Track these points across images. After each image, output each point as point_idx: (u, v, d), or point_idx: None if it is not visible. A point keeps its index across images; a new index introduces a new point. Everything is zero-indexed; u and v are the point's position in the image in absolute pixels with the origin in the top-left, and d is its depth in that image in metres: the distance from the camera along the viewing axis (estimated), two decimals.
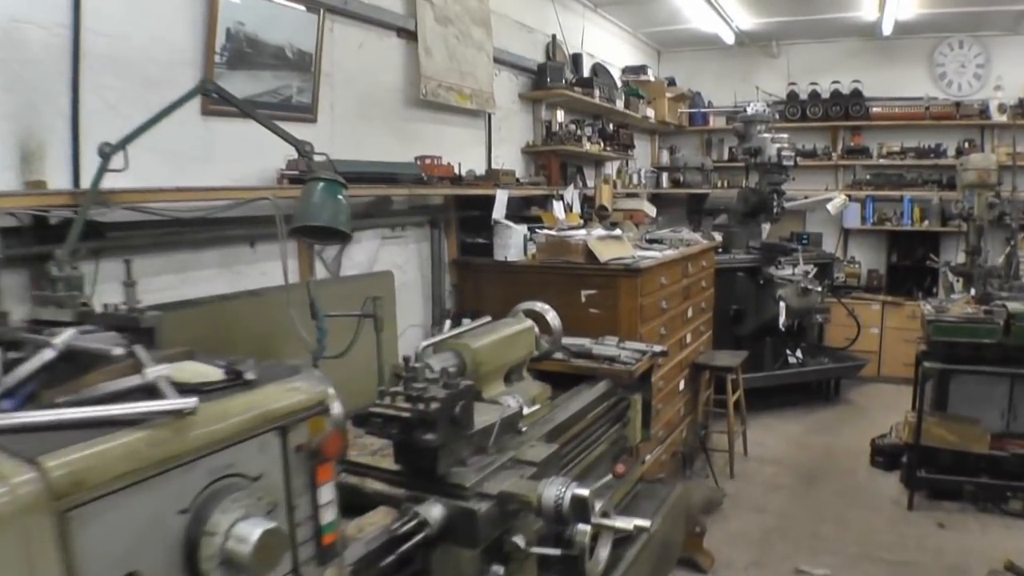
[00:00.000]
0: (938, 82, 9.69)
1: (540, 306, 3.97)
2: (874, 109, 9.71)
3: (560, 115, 7.30)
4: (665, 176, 10.27)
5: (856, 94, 9.77)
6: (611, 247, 5.37)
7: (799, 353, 8.69)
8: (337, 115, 4.83)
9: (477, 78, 6.14)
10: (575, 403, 3.84)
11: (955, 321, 5.74)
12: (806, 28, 9.70)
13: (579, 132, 7.46)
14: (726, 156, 10.51)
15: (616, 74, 9.29)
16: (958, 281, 7.77)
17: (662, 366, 5.53)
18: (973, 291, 6.54)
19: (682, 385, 6.42)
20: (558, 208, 6.24)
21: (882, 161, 9.81)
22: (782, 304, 7.68)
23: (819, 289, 7.81)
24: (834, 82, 9.86)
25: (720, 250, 8.07)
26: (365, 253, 5.16)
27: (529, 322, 3.71)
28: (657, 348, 4.71)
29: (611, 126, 8.43)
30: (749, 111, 8.53)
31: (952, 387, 6.25)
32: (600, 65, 8.77)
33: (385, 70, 5.32)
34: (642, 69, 9.58)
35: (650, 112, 9.24)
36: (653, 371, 4.89)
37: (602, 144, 8.01)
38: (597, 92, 7.67)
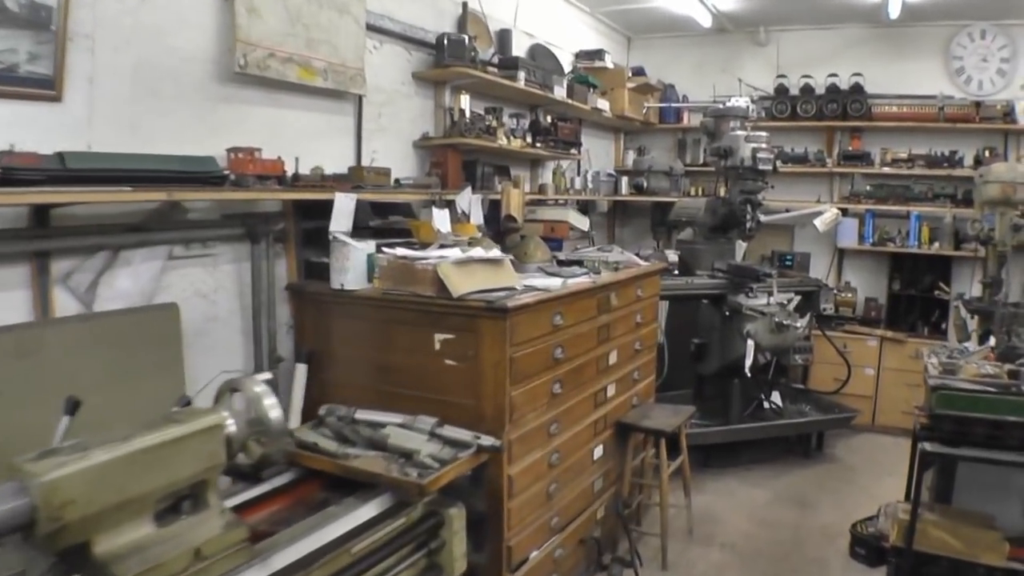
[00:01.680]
0: (955, 78, 8.25)
1: (254, 382, 2.38)
2: (878, 108, 8.27)
3: (465, 101, 5.80)
4: (624, 181, 8.71)
5: (856, 90, 8.29)
6: (475, 276, 3.86)
7: (776, 397, 7.25)
8: (100, 92, 3.52)
9: (337, 49, 4.74)
10: (310, 540, 2.26)
11: (970, 391, 4.15)
12: (799, 11, 8.31)
13: (493, 124, 5.94)
14: (702, 159, 8.96)
15: (567, 59, 7.90)
16: (972, 318, 6.43)
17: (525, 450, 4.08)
18: (992, 340, 5.06)
19: (600, 451, 4.89)
20: (440, 218, 4.69)
21: (886, 170, 8.32)
22: (750, 343, 6.17)
23: (798, 325, 6.26)
24: (831, 75, 8.39)
25: (678, 271, 6.68)
26: (136, 279, 3.72)
27: (216, 416, 2.14)
28: (487, 441, 3.17)
29: (548, 119, 6.93)
30: (728, 105, 7.12)
31: (960, 471, 4.66)
32: (542, 47, 7.37)
33: (183, 32, 3.91)
34: (598, 54, 8.10)
35: (604, 104, 7.75)
36: (491, 468, 3.56)
37: (531, 140, 6.52)
38: (523, 76, 6.18)
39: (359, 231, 4.41)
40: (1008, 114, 7.83)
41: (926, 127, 8.12)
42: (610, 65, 8.14)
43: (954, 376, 4.34)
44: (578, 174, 8.09)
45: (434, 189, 5.40)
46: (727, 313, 6.44)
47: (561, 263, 5.10)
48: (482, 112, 6.09)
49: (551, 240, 5.82)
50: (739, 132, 6.78)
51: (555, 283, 4.29)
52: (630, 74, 8.55)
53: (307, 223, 4.56)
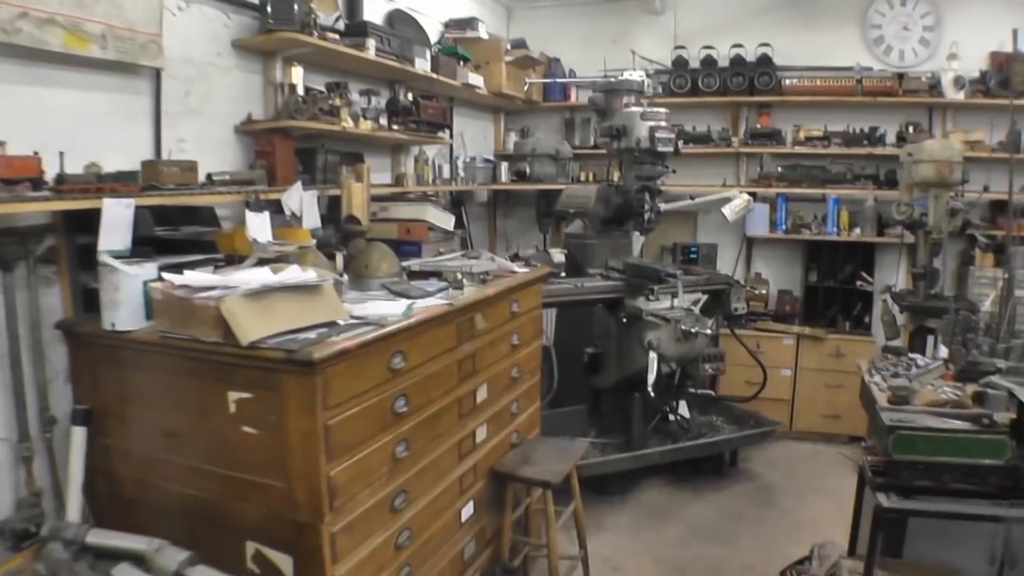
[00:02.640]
0: (873, 48, 7.58)
1: None
2: (788, 82, 7.50)
3: (297, 75, 4.73)
4: (504, 167, 7.73)
5: (764, 61, 7.53)
6: (275, 312, 2.81)
7: (683, 408, 6.37)
8: None
9: (122, 8, 3.67)
10: None
11: (938, 431, 3.24)
12: None
13: (336, 102, 4.91)
14: (593, 141, 8.04)
15: (435, 29, 6.90)
16: (900, 313, 6.04)
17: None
18: (943, 350, 4.40)
19: (470, 510, 3.90)
20: (257, 224, 3.62)
21: (799, 149, 7.58)
22: (652, 356, 5.24)
23: (707, 332, 5.39)
24: (735, 46, 7.61)
25: (565, 272, 5.80)
26: None
27: None
28: None
29: (409, 97, 5.94)
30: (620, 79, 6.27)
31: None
32: (402, 13, 6.35)
33: None
34: (470, 23, 7.09)
35: (477, 80, 6.77)
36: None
37: (387, 122, 5.49)
38: (373, 45, 5.15)
39: (145, 248, 3.31)
40: (934, 87, 7.17)
41: (843, 102, 7.41)
42: (484, 35, 7.15)
43: (909, 407, 3.42)
44: (450, 161, 7.10)
45: (258, 186, 4.33)
46: (624, 320, 5.53)
47: (414, 275, 4.12)
48: (323, 89, 5.01)
49: (408, 244, 4.83)
50: (634, 109, 5.88)
51: (396, 309, 3.28)
52: (508, 46, 7.59)
53: (84, 238, 3.41)
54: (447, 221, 5.10)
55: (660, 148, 5.68)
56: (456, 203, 7.30)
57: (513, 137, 8.19)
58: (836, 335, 7.32)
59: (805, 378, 7.36)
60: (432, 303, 3.50)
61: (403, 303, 3.40)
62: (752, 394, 6.70)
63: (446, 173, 6.96)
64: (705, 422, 6.50)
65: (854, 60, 7.46)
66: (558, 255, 5.70)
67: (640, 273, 5.50)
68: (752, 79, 7.51)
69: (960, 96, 7.08)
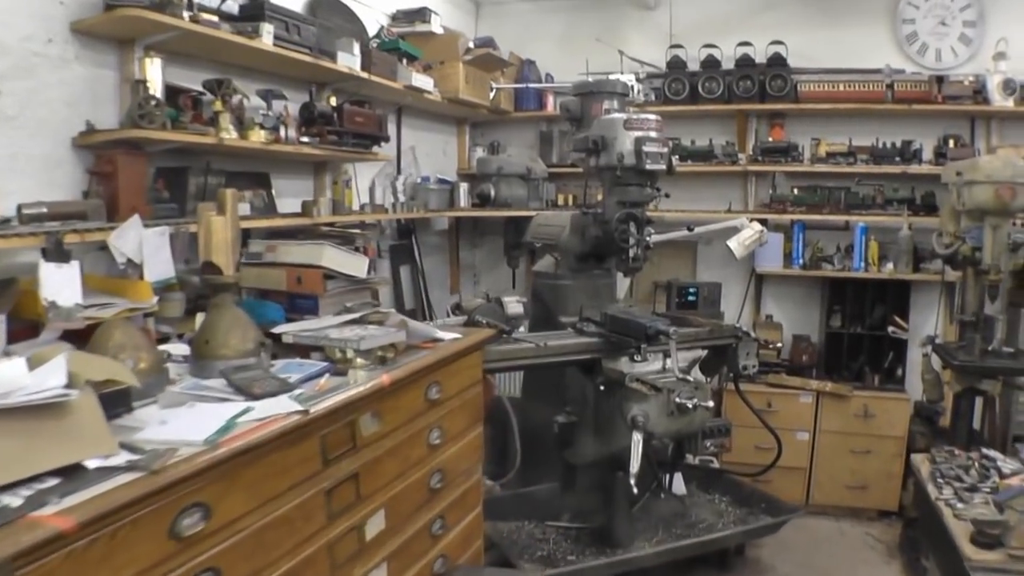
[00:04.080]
0: (905, 47, 6.64)
1: None
2: (805, 86, 6.54)
3: (153, 69, 3.61)
4: (463, 189, 6.61)
5: (777, 62, 6.52)
6: None
7: (679, 482, 5.32)
8: None
9: None
10: None
11: None
12: None
13: (217, 107, 3.83)
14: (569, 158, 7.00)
15: (379, 21, 5.78)
16: (942, 367, 5.36)
17: None
18: None
19: None
20: (59, 280, 2.52)
21: (818, 167, 6.56)
22: (636, 437, 4.03)
23: (708, 404, 4.16)
24: (742, 44, 6.60)
25: (529, 321, 4.81)
26: None
27: None
28: None
29: (330, 102, 4.85)
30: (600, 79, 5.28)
31: None
32: (336, 2, 5.22)
33: None
34: (420, 15, 5.95)
35: (425, 82, 5.64)
36: None
37: (294, 133, 4.37)
38: (269, 31, 4.03)
39: None
40: (979, 92, 6.20)
41: (870, 110, 6.47)
42: (438, 30, 6.00)
43: (1008, 551, 2.27)
44: (396, 182, 5.95)
45: (90, 221, 3.20)
46: (601, 385, 4.40)
47: (289, 351, 2.95)
48: (201, 90, 3.90)
49: (304, 298, 3.64)
50: (616, 115, 4.71)
51: (202, 431, 2.05)
52: (471, 44, 6.43)
53: None
54: (355, 266, 3.84)
55: (649, 165, 4.52)
56: (405, 233, 6.25)
57: (480, 154, 7.10)
58: (863, 391, 6.26)
59: (826, 442, 6.31)
60: (276, 411, 2.29)
61: (228, 412, 2.17)
62: (762, 468, 5.49)
63: (391, 197, 5.82)
64: (706, 502, 5.38)
65: (883, 61, 6.51)
66: (514, 305, 4.49)
67: (623, 328, 4.32)
68: (763, 83, 6.53)
69: (1009, 103, 6.08)
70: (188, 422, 2.15)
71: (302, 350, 3.00)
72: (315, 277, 3.58)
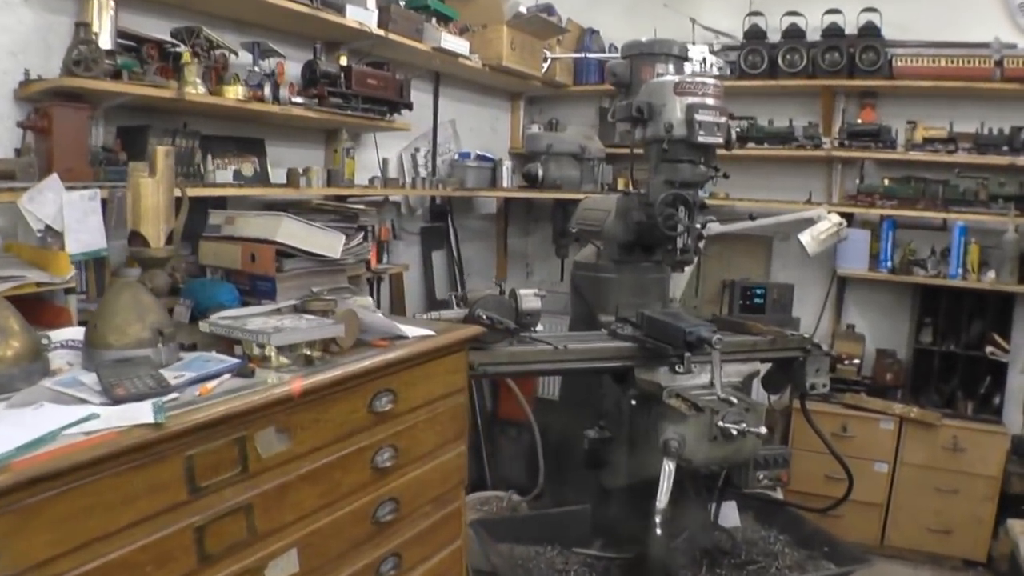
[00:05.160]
0: (1019, 17, 5.91)
1: None
2: (901, 61, 5.82)
3: (103, 9, 3.25)
4: (507, 169, 6.08)
5: (869, 32, 5.87)
6: None
7: (731, 513, 4.64)
8: None
9: None
10: None
11: None
12: None
13: (185, 58, 3.45)
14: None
15: None
16: None
17: None
18: None
19: None
20: None
21: (914, 155, 5.82)
22: (667, 466, 3.38)
23: (760, 431, 3.46)
24: (830, 11, 5.97)
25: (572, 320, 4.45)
26: None
27: None
28: None
29: (340, 63, 4.36)
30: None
31: None
32: None
33: None
34: None
35: (459, 46, 5.11)
36: None
37: (285, 93, 3.91)
38: None
39: None
40: None
41: (975, 90, 5.76)
42: None
43: None
44: (431, 156, 5.53)
45: (20, 182, 2.84)
46: (633, 400, 3.79)
47: (210, 343, 2.49)
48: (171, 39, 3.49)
49: (264, 280, 3.05)
50: (667, 78, 4.00)
51: (14, 442, 1.67)
52: (521, 9, 5.85)
53: None
54: (324, 243, 3.18)
55: (702, 138, 3.81)
56: (440, 215, 5.75)
57: (536, 130, 6.59)
58: (954, 421, 5.60)
59: (907, 477, 5.69)
60: (119, 423, 1.79)
61: (66, 419, 1.76)
62: (831, 504, 4.77)
63: (422, 172, 5.40)
64: (760, 540, 4.66)
65: (992, 34, 5.82)
66: (531, 299, 3.82)
67: (660, 333, 3.67)
68: (852, 56, 5.87)
69: None
70: (5, 431, 1.69)
71: (229, 344, 2.44)
72: (267, 254, 2.94)
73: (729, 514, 4.60)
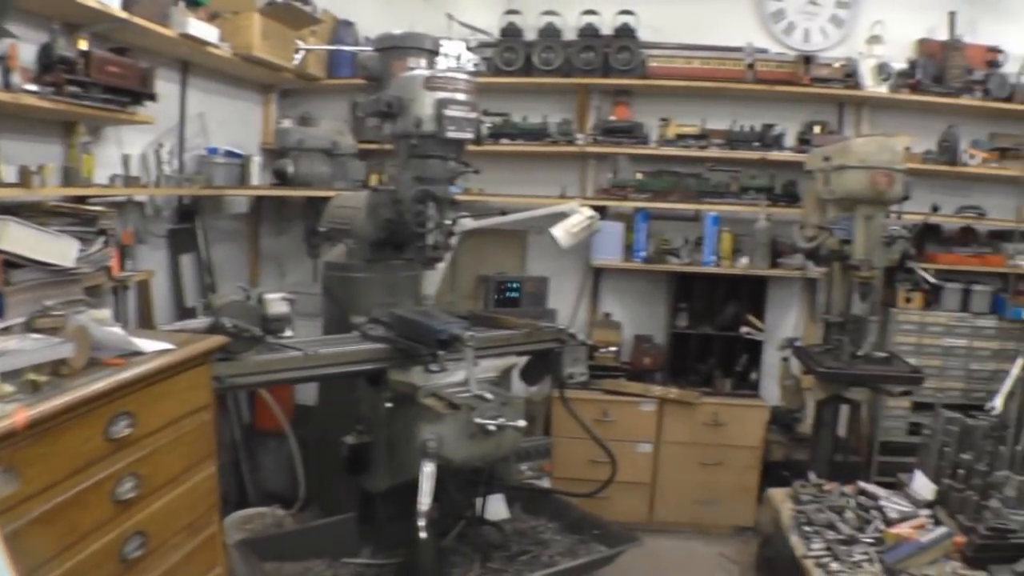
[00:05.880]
0: (770, 25, 6.32)
1: None
2: (656, 62, 6.10)
3: None
4: (257, 165, 5.86)
5: (625, 33, 6.03)
6: None
7: (499, 505, 4.67)
8: None
9: None
10: None
11: None
12: None
13: None
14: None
15: None
16: (802, 372, 5.10)
17: None
18: (921, 482, 3.85)
19: None
20: None
21: (666, 150, 6.13)
22: (426, 468, 3.34)
23: (518, 424, 3.52)
24: (587, 12, 6.09)
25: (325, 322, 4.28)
26: None
27: None
28: None
29: (80, 48, 3.97)
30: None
31: None
32: None
33: None
34: None
35: (208, 33, 4.82)
36: None
37: (16, 77, 3.56)
38: None
39: None
40: (850, 76, 6.00)
41: (728, 90, 6.10)
42: None
43: None
44: (178, 152, 5.20)
45: None
46: (389, 404, 3.72)
47: None
48: None
49: None
50: (417, 73, 3.98)
51: None
52: None
53: None
54: (56, 251, 2.99)
55: (452, 133, 3.81)
56: (187, 216, 5.42)
57: (288, 125, 6.17)
58: (713, 398, 5.86)
59: (671, 454, 5.88)
60: None
61: None
62: (596, 487, 4.81)
63: (167, 170, 4.99)
64: (530, 530, 4.71)
65: (745, 39, 6.15)
66: (278, 303, 3.68)
67: (412, 332, 3.63)
68: (607, 56, 6.01)
69: (883, 89, 5.93)
70: None
71: None
72: None
73: (497, 508, 4.63)
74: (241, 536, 4.33)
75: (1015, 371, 4.71)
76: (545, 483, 5.18)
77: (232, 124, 5.98)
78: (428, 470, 3.33)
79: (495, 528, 4.48)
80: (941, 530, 3.20)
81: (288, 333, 3.59)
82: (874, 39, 5.88)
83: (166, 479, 2.56)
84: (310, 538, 4.17)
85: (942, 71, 5.79)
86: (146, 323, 4.69)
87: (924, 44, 5.98)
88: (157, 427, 2.51)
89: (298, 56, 5.77)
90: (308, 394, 5.35)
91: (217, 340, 2.95)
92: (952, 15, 5.85)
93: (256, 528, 4.75)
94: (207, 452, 2.82)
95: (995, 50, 5.89)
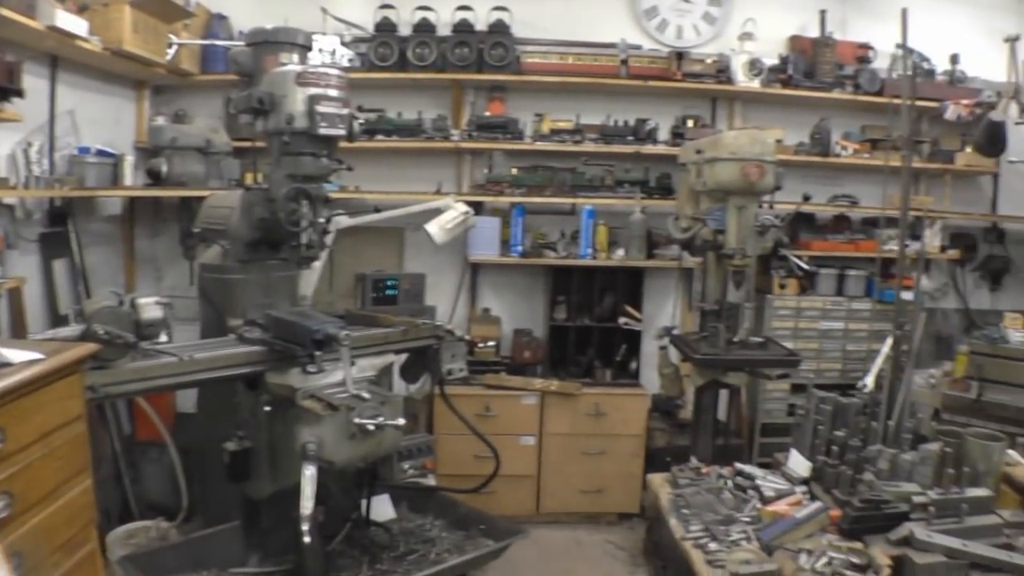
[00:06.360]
0: (643, 22, 6.45)
1: None
2: (530, 58, 6.11)
3: None
4: (130, 165, 5.63)
5: (499, 29, 6.11)
6: None
7: (384, 506, 4.62)
8: None
9: None
10: None
11: None
12: None
13: None
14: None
15: None
16: (681, 360, 5.20)
17: None
18: (797, 460, 3.87)
19: None
20: None
21: (541, 145, 6.12)
22: (307, 471, 3.29)
23: (398, 423, 3.46)
24: (461, 8, 6.07)
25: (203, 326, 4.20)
26: None
27: None
28: None
29: None
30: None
31: None
32: None
33: None
34: None
35: (77, 26, 4.66)
36: None
37: None
38: None
39: None
40: (722, 71, 6.18)
41: (602, 85, 6.16)
42: None
43: None
44: (48, 151, 5.01)
45: None
46: (267, 407, 3.65)
47: None
48: None
49: None
50: (288, 68, 3.90)
51: None
52: None
53: None
54: None
55: (324, 130, 3.75)
56: (59, 218, 5.21)
57: (162, 123, 6.00)
58: (594, 389, 5.91)
59: (554, 446, 5.91)
60: None
61: None
62: (480, 483, 4.77)
63: (37, 170, 4.79)
64: (417, 528, 4.70)
65: (619, 36, 6.25)
66: (152, 308, 3.58)
67: (287, 333, 3.56)
68: (481, 52, 6.03)
69: (755, 84, 6.11)
70: None
71: None
72: None
73: (382, 508, 4.59)
74: (125, 552, 4.23)
75: (885, 350, 4.86)
76: (430, 481, 5.12)
77: (104, 122, 5.78)
78: (309, 473, 3.27)
79: (382, 529, 4.44)
80: (816, 505, 3.29)
81: (164, 338, 3.47)
82: (746, 36, 6.02)
83: (40, 496, 2.45)
84: (195, 550, 4.07)
85: (813, 67, 5.99)
86: (18, 332, 4.49)
87: (795, 41, 6.18)
88: (29, 441, 2.40)
89: (171, 51, 5.60)
90: (188, 401, 5.23)
91: (88, 348, 2.83)
92: (823, 13, 6.04)
93: (140, 543, 4.64)
94: (82, 465, 2.70)
95: (865, 47, 6.14)
